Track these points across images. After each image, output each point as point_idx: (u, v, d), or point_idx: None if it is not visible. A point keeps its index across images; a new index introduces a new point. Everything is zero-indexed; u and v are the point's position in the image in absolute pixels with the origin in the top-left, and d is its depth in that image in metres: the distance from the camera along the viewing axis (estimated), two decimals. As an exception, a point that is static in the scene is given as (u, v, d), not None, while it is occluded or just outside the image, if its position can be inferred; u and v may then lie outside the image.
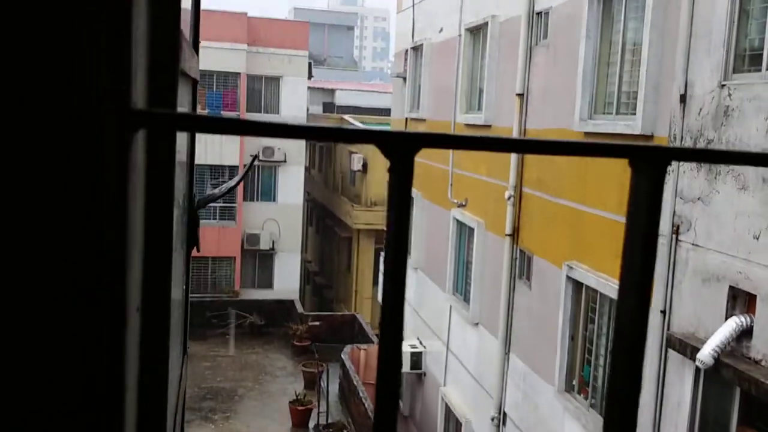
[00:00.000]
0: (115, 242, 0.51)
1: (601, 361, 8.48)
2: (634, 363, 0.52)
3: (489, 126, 11.59)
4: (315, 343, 21.26)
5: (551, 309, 9.35)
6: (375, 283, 18.99)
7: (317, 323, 22.56)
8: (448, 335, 13.26)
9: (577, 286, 8.89)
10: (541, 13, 10.02)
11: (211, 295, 25.07)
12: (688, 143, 6.79)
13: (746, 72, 6.26)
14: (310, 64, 27.56)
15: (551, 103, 9.67)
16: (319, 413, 17.10)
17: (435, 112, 14.28)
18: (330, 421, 16.82)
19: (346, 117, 30.94)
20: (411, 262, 15.47)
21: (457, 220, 12.85)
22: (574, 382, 9.02)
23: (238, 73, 25.48)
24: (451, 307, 13.08)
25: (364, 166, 25.66)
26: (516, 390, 10.48)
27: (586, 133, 8.50)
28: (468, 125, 12.44)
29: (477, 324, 11.95)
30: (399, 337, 0.46)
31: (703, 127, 6.61)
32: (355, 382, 17.15)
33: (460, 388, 12.75)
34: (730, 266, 6.19)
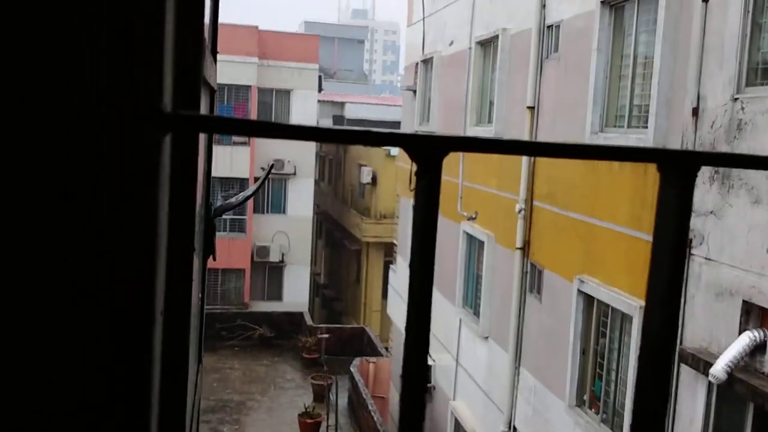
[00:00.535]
0: (146, 245, 0.52)
1: (613, 375, 8.41)
2: (661, 376, 0.50)
3: (499, 139, 11.55)
4: (324, 356, 21.23)
5: (562, 323, 9.29)
6: (384, 296, 18.95)
7: (326, 336, 22.52)
8: (457, 349, 13.20)
9: (588, 300, 8.83)
10: (551, 26, 10.03)
11: (221, 307, 25.10)
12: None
13: (759, 85, 6.24)
14: (320, 77, 27.70)
15: (562, 116, 9.66)
16: (328, 426, 17.03)
17: (445, 125, 14.29)
18: (339, 434, 16.74)
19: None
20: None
21: (467, 234, 12.82)
22: (585, 397, 8.95)
23: (249, 86, 25.63)
24: (460, 320, 13.03)
25: (374, 179, 25.69)
26: (526, 405, 10.40)
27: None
28: (478, 138, 12.42)
29: (487, 338, 11.89)
30: (425, 345, 0.46)
31: (716, 140, 6.58)
32: (364, 395, 17.08)
33: (469, 402, 12.67)
34: (744, 280, 6.13)
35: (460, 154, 12.95)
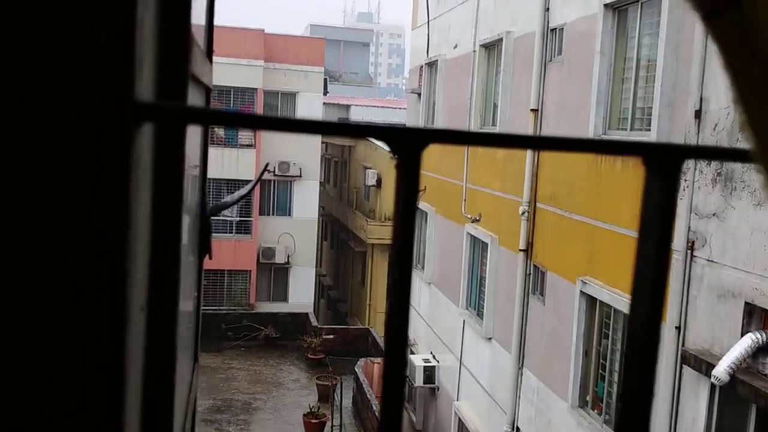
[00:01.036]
0: (116, 240, 0.50)
1: (615, 376, 8.44)
2: (646, 371, 0.50)
3: (503, 141, 11.60)
4: (329, 357, 21.27)
5: (565, 324, 9.32)
6: (388, 297, 18.97)
7: (331, 336, 22.57)
8: (461, 350, 13.23)
9: (590, 301, 8.86)
10: (555, 29, 10.07)
11: (227, 308, 25.17)
12: (708, 161, 6.79)
13: (761, 88, 6.26)
14: (325, 80, 27.75)
15: (565, 118, 9.70)
16: (332, 426, 17.07)
17: (450, 128, 14.31)
18: (343, 435, 16.78)
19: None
20: (424, 276, 15.47)
21: (471, 236, 12.85)
22: (587, 398, 8.97)
23: (255, 89, 25.70)
24: (464, 321, 13.06)
25: (378, 181, 25.72)
26: (529, 405, 10.43)
27: (601, 149, 8.51)
28: (482, 140, 12.46)
29: (490, 339, 11.92)
30: (404, 339, 0.47)
31: (719, 142, 6.61)
32: (368, 396, 17.11)
33: (473, 403, 12.69)
34: (746, 282, 6.16)
35: (465, 157, 13.00)
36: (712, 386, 6.41)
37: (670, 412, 7.05)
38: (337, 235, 30.91)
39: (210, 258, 1.82)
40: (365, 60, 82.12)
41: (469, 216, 12.75)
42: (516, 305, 10.69)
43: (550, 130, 10.15)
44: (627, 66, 8.47)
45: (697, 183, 6.89)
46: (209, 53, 1.72)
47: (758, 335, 5.97)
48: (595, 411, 8.80)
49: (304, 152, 26.36)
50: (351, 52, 75.25)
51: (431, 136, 0.43)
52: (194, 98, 1.23)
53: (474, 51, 12.97)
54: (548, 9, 10.18)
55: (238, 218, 25.94)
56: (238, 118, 0.45)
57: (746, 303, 6.17)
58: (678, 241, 6.97)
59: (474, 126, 12.87)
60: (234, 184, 24.96)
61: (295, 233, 26.52)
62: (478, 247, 12.73)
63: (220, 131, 25.15)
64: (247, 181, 25.18)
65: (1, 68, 0.47)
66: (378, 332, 23.50)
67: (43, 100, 0.48)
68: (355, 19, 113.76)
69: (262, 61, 25.67)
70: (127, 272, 0.51)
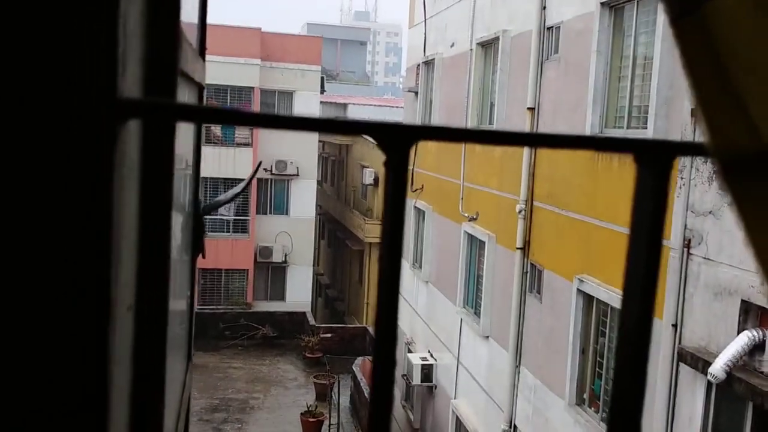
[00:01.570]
0: (99, 239, 0.49)
1: (612, 374, 8.44)
2: (638, 369, 0.50)
3: (500, 139, 11.61)
4: (326, 355, 21.28)
5: (562, 322, 9.34)
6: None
7: (329, 335, 22.57)
8: (458, 348, 13.24)
9: (587, 299, 8.87)
10: (552, 27, 10.07)
11: (224, 307, 25.17)
12: (699, 157, 6.80)
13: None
14: (322, 78, 27.74)
15: (562, 116, 9.70)
16: (330, 425, 17.08)
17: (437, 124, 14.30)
18: (341, 434, 16.79)
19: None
20: (422, 275, 15.48)
21: (468, 234, 12.86)
22: (584, 396, 8.99)
23: (252, 88, 25.69)
24: (461, 320, 13.06)
25: (376, 180, 25.72)
26: (526, 403, 10.45)
27: (597, 147, 8.52)
28: (479, 139, 12.47)
29: (488, 337, 11.93)
30: (393, 343, 0.46)
31: (714, 140, 6.61)
32: (366, 394, 17.12)
33: (470, 401, 12.71)
34: (742, 280, 6.17)
35: (462, 155, 13.00)
36: (709, 384, 6.42)
37: (666, 410, 7.07)
38: (334, 234, 30.91)
39: (203, 257, 1.82)
40: (362, 59, 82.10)
41: (466, 214, 12.76)
42: (513, 303, 10.70)
43: (546, 128, 10.15)
44: (624, 64, 8.48)
45: (693, 181, 6.90)
46: (202, 51, 1.71)
47: (754, 333, 5.98)
48: (593, 409, 8.81)
49: (301, 151, 26.35)
50: (348, 51, 75.20)
51: (419, 132, 0.43)
52: (186, 96, 1.22)
53: (471, 49, 12.97)
54: (545, 7, 10.18)
55: (235, 217, 25.94)
56: (225, 114, 0.44)
57: (742, 301, 6.18)
58: (674, 239, 6.98)
59: (471, 124, 12.87)
60: (231, 183, 24.93)
61: (293, 232, 26.52)
62: (476, 246, 12.74)
63: (216, 130, 25.13)
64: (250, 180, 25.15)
65: None
66: (375, 331, 23.48)
67: (23, 97, 0.47)
68: (352, 18, 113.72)
69: (258, 59, 25.65)
70: (111, 271, 0.50)
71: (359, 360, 19.46)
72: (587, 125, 8.79)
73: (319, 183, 29.60)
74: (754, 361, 6.01)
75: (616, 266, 8.05)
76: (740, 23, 0.42)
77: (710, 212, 6.66)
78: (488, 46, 12.45)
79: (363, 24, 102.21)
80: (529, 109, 10.46)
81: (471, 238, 12.83)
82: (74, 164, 0.48)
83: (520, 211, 10.53)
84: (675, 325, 6.99)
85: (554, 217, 9.78)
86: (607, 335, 8.55)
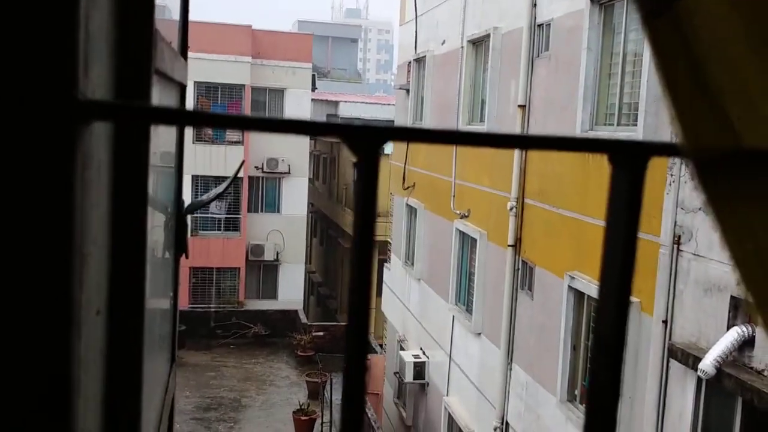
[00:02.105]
0: (59, 242, 0.47)
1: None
2: (613, 370, 0.49)
3: (491, 137, 11.62)
4: (319, 353, 21.26)
5: (553, 319, 9.36)
6: (379, 293, 19.03)
7: (321, 333, 22.56)
8: (450, 345, 13.26)
9: (578, 296, 8.90)
10: (542, 25, 10.08)
11: (216, 306, 25.11)
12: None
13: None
14: (313, 76, 27.69)
15: (553, 114, 9.72)
16: (322, 423, 17.08)
17: (438, 124, 14.34)
18: (334, 431, 16.79)
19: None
20: (414, 273, 15.48)
21: (460, 231, 12.87)
22: (576, 392, 9.01)
23: (243, 85, 25.62)
24: (453, 317, 13.08)
25: (368, 177, 25.72)
26: (518, 400, 10.47)
27: (588, 144, 8.54)
28: (471, 136, 12.48)
29: (479, 334, 11.95)
30: (365, 338, 0.46)
31: (703, 137, 6.63)
32: (358, 393, 17.09)
33: (462, 398, 12.73)
34: (732, 276, 6.20)
35: (453, 153, 13.01)
36: (699, 380, 6.45)
37: (657, 406, 7.10)
38: (326, 232, 30.89)
39: (186, 257, 1.81)
40: (354, 56, 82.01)
41: (458, 212, 12.77)
42: (505, 301, 10.72)
43: (537, 126, 10.17)
44: (614, 61, 8.50)
45: (683, 178, 6.93)
46: (183, 49, 1.69)
47: (744, 329, 6.01)
48: (584, 405, 8.83)
49: (293, 149, 26.31)
50: (339, 48, 75.10)
51: (388, 134, 0.42)
52: (165, 96, 1.21)
53: (462, 47, 12.97)
54: (535, 5, 10.19)
55: (226, 215, 25.88)
56: (189, 116, 0.43)
57: (732, 297, 6.21)
58: (664, 236, 7.01)
59: (462, 122, 12.88)
60: (221, 181, 24.88)
61: (284, 230, 26.48)
62: (467, 243, 12.75)
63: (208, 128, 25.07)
64: (236, 178, 25.11)
65: None
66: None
67: None
68: (343, 15, 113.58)
69: (249, 57, 25.58)
70: (73, 274, 0.49)
71: (351, 358, 19.44)
72: (577, 123, 8.80)
73: (310, 181, 29.56)
74: (744, 356, 6.04)
75: (606, 263, 8.06)
76: (714, 22, 0.41)
77: (700, 209, 6.69)
78: (479, 43, 12.45)
79: (354, 21, 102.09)
80: (520, 106, 10.47)
81: (463, 235, 12.84)
82: (32, 165, 0.47)
83: (511, 209, 10.55)
84: (665, 321, 7.02)
85: (545, 215, 9.80)
86: (598, 332, 8.57)
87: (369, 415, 15.79)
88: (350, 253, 0.45)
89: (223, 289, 25.91)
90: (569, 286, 8.94)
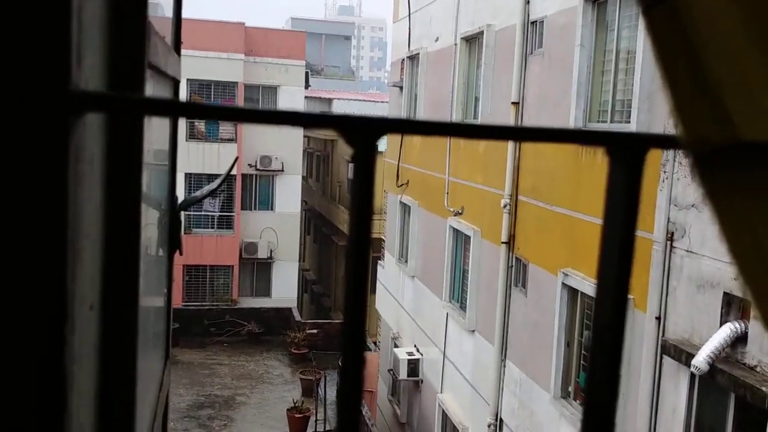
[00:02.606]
0: (52, 236, 0.47)
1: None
2: (611, 367, 0.49)
3: (485, 134, 11.63)
4: (313, 351, 21.27)
5: (547, 316, 9.38)
6: (373, 291, 19.03)
7: (315, 331, 22.56)
8: (444, 342, 13.27)
9: (572, 293, 8.91)
10: (535, 22, 10.09)
11: (209, 304, 25.07)
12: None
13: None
14: (307, 73, 27.65)
15: (546, 111, 9.73)
16: (316, 421, 17.08)
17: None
18: (328, 428, 16.80)
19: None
20: (408, 270, 15.49)
21: (454, 229, 12.88)
22: (570, 389, 9.04)
23: (236, 83, 25.56)
24: (447, 314, 13.09)
25: (362, 174, 25.72)
26: (512, 397, 10.49)
27: (581, 141, 8.56)
28: (464, 133, 12.49)
29: (473, 331, 11.97)
30: (361, 339, 0.45)
31: (696, 134, 6.65)
32: (352, 391, 17.10)
33: (456, 395, 12.75)
34: (725, 273, 6.22)
35: (447, 150, 13.01)
36: (692, 376, 6.47)
37: (650, 402, 7.12)
38: (320, 230, 30.87)
39: (180, 253, 1.80)
40: (347, 53, 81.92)
41: (451, 209, 12.77)
42: (498, 298, 10.74)
43: (531, 122, 10.17)
44: (607, 58, 8.51)
45: (676, 174, 6.94)
46: (177, 45, 1.68)
47: (737, 325, 6.03)
48: (578, 402, 8.86)
49: (286, 146, 26.27)
50: (332, 46, 75.01)
51: (384, 125, 0.42)
52: (158, 91, 1.20)
53: (455, 44, 12.96)
54: (528, 2, 10.20)
55: (219, 213, 25.83)
56: (184, 107, 0.43)
57: (725, 293, 6.23)
58: (658, 232, 7.03)
59: (455, 119, 12.88)
60: (215, 178, 24.82)
61: (278, 228, 26.45)
62: (461, 240, 12.76)
63: (201, 125, 25.00)
64: (229, 176, 25.05)
65: None
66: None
67: None
68: (337, 12, 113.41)
69: (242, 54, 25.53)
70: (67, 268, 0.48)
71: (345, 355, 19.44)
72: (571, 119, 8.82)
73: (304, 178, 29.53)
74: (737, 352, 6.07)
75: (600, 260, 8.08)
76: (713, 14, 0.41)
77: (693, 205, 6.71)
78: (472, 40, 12.45)
79: (347, 18, 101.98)
80: (513, 103, 10.48)
81: (456, 232, 12.85)
82: (23, 157, 0.46)
83: (504, 206, 10.56)
84: (659, 318, 7.04)
85: (539, 212, 9.82)
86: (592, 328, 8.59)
87: (363, 413, 15.79)
88: (347, 247, 0.44)
89: (217, 287, 25.87)
90: (563, 283, 8.96)
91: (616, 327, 0.50)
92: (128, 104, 0.46)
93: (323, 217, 30.05)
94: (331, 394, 18.98)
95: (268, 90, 26.51)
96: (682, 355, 6.50)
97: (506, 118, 10.68)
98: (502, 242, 10.65)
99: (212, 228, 25.75)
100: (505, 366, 10.74)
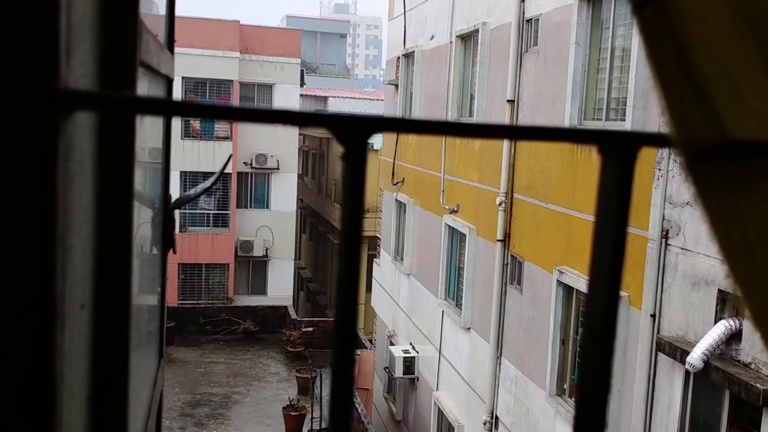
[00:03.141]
0: (40, 235, 0.47)
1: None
2: (603, 363, 0.49)
3: (480, 132, 11.63)
4: (308, 349, 21.26)
5: (542, 313, 9.39)
6: (368, 289, 19.02)
7: (310, 329, 22.55)
8: (440, 340, 13.28)
9: (567, 290, 8.93)
10: (531, 20, 10.09)
11: (205, 302, 25.04)
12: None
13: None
14: (302, 71, 27.61)
15: (541, 109, 9.73)
16: (312, 419, 17.08)
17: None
18: (323, 426, 16.79)
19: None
20: (403, 268, 15.49)
21: (449, 226, 12.89)
22: (565, 386, 9.06)
23: (231, 81, 25.51)
24: (443, 312, 13.10)
25: (357, 172, 25.69)
26: (508, 394, 10.51)
27: (576, 139, 8.57)
28: (460, 131, 12.49)
29: (469, 329, 11.98)
30: (353, 335, 0.45)
31: (691, 132, 6.66)
32: (348, 389, 17.11)
33: (452, 393, 12.76)
34: (719, 270, 6.24)
35: (442, 148, 13.02)
36: (687, 373, 6.49)
37: (645, 399, 7.14)
38: (315, 228, 30.86)
39: (174, 252, 1.80)
40: (342, 51, 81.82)
41: (447, 207, 12.78)
42: (494, 295, 10.75)
43: (526, 120, 10.18)
44: (602, 56, 8.52)
45: (671, 172, 6.96)
46: (170, 44, 1.68)
47: (731, 322, 6.05)
48: (573, 399, 8.88)
49: (282, 144, 26.24)
50: (328, 44, 74.92)
51: (374, 123, 0.42)
52: (151, 89, 1.20)
53: (450, 42, 12.96)
54: (524, 0, 10.20)
55: (215, 211, 25.79)
56: (175, 106, 0.43)
57: (719, 290, 6.25)
58: (653, 230, 7.04)
59: (451, 117, 12.88)
60: (210, 176, 24.77)
61: (274, 226, 26.42)
62: (457, 238, 12.77)
63: (196, 124, 24.95)
64: (224, 174, 25.01)
65: None
66: (357, 324, 23.51)
67: None
68: (332, 10, 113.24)
69: (238, 52, 25.48)
70: (55, 267, 0.48)
71: (341, 353, 19.45)
72: (566, 117, 8.82)
73: (300, 176, 29.50)
74: (731, 350, 6.09)
75: (595, 257, 8.09)
76: (703, 11, 0.41)
77: (687, 203, 6.72)
78: (468, 38, 12.45)
79: (343, 16, 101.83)
80: (508, 101, 10.48)
81: (452, 230, 12.86)
82: (11, 155, 0.45)
83: (500, 204, 10.57)
84: (653, 315, 7.05)
85: (534, 209, 9.83)
86: (587, 326, 8.61)
87: (359, 411, 15.80)
88: (339, 244, 0.44)
89: (212, 286, 25.85)
90: (558, 281, 8.97)
91: (608, 321, 0.50)
92: (117, 103, 0.46)
93: (319, 215, 30.03)
94: (327, 391, 18.99)
95: (264, 88, 26.46)
96: (677, 352, 6.51)
97: (501, 116, 10.68)
98: (498, 240, 10.66)
99: (208, 226, 25.71)
100: (500, 363, 10.76)
